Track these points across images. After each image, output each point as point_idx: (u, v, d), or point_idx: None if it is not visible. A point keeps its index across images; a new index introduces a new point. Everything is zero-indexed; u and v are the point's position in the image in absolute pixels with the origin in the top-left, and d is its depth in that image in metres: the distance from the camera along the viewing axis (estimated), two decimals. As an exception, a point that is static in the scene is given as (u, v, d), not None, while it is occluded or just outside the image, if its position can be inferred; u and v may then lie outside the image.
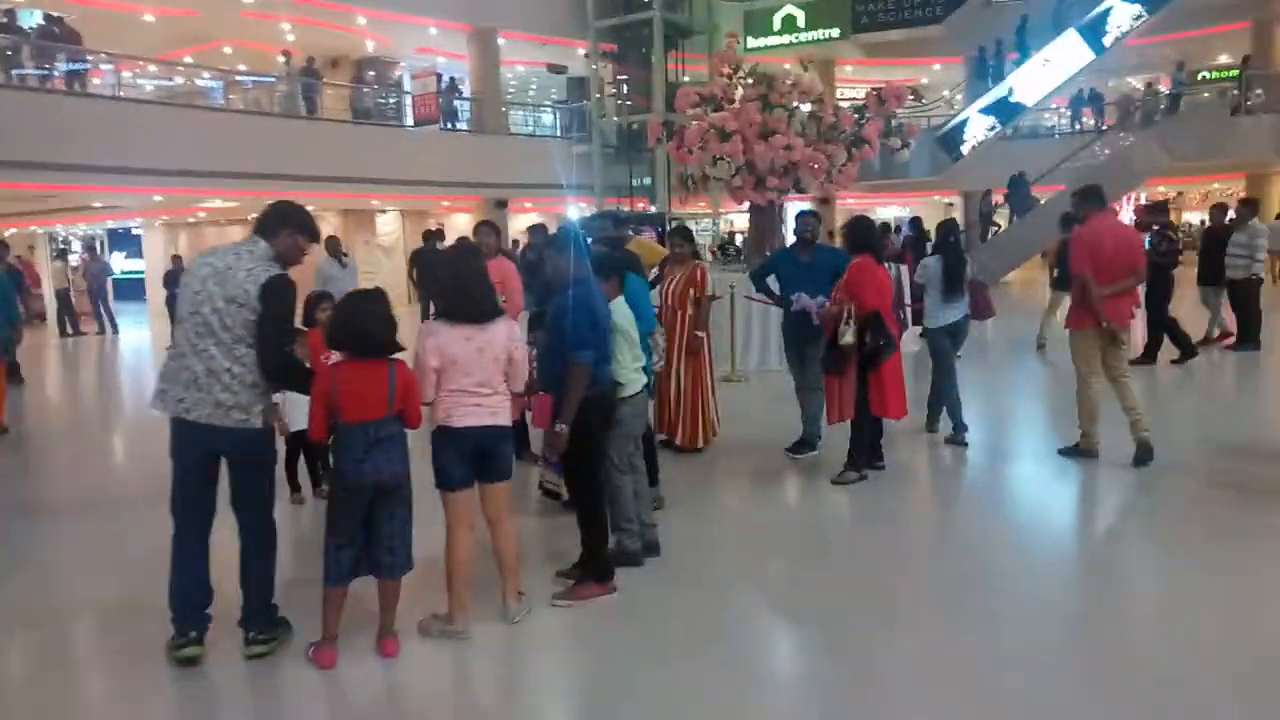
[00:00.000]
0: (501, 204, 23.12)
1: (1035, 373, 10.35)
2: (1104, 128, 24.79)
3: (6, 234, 21.96)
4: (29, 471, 7.62)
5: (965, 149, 23.76)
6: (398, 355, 3.53)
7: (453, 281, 3.64)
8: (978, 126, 23.66)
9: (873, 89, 11.14)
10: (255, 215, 3.68)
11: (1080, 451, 6.25)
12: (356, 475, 3.39)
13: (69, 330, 18.74)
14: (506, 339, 3.68)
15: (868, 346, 5.65)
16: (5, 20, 16.19)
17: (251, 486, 3.56)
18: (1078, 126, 25.32)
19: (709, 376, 6.69)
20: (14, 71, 15.66)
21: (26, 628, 4.12)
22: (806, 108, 11.29)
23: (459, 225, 24.23)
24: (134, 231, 29.34)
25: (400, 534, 3.53)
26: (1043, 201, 21.06)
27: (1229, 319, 11.12)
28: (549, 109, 27.16)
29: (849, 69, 26.87)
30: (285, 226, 3.62)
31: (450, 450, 3.62)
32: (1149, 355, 10.14)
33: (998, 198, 22.73)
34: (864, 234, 5.97)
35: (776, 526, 5.30)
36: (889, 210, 30.68)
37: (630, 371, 4.34)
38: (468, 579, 3.72)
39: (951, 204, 29.52)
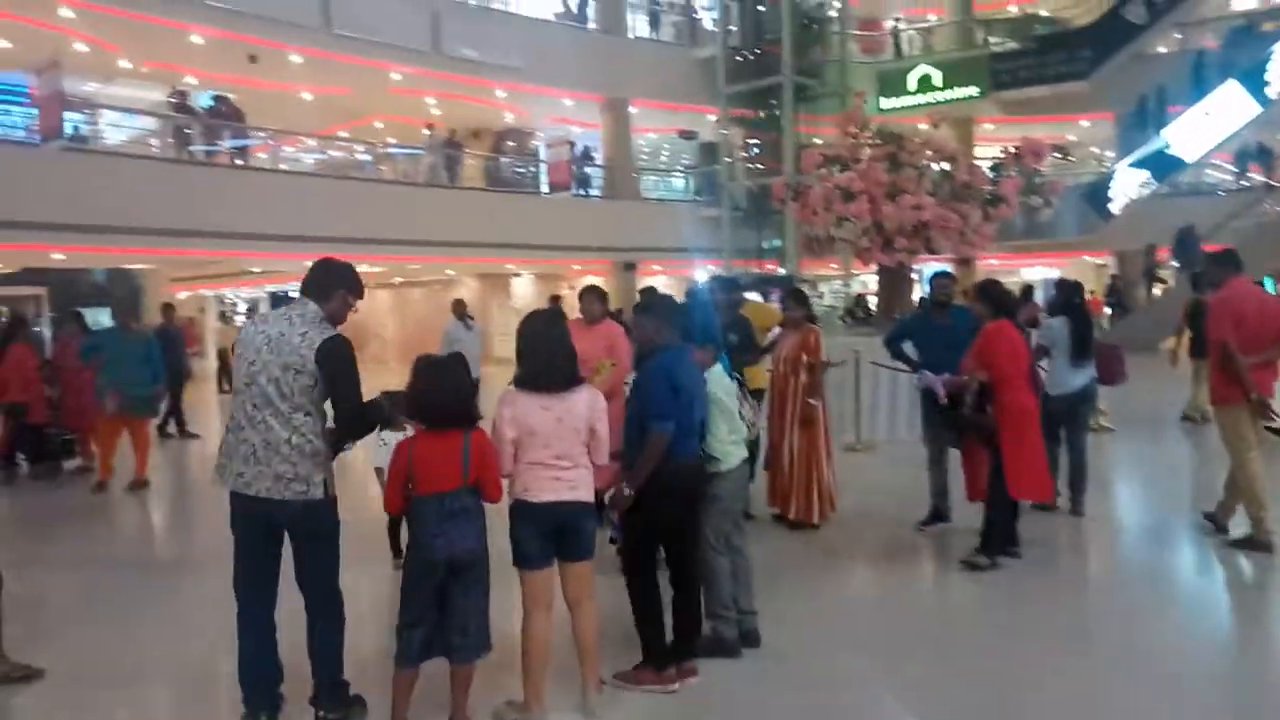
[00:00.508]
0: (630, 267, 23.35)
1: (1186, 446, 9.46)
2: (1273, 184, 23.00)
3: (180, 296, 23.60)
4: (159, 525, 7.92)
5: (1116, 207, 22.48)
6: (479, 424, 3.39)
7: (531, 348, 3.49)
8: (1130, 182, 22.37)
9: (1009, 147, 10.61)
10: (302, 275, 3.58)
11: (1255, 544, 5.49)
12: (429, 550, 3.24)
13: (224, 388, 19.88)
14: (588, 409, 3.49)
15: (967, 416, 5.21)
16: (179, 101, 17.57)
17: (314, 559, 3.45)
18: (1243, 183, 23.60)
19: (824, 447, 6.31)
20: (188, 148, 16.94)
21: (110, 687, 4.14)
22: (939, 166, 10.89)
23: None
24: (290, 294, 31.20)
25: (475, 614, 3.34)
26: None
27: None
28: (679, 174, 27.44)
29: (989, 127, 26.03)
30: (337, 286, 3.53)
31: (528, 526, 3.44)
32: None
33: (1163, 254, 21.29)
34: (999, 297, 5.55)
35: (893, 618, 4.84)
36: (1033, 271, 29.31)
37: (727, 445, 4.08)
38: (545, 664, 3.49)
39: (1104, 265, 27.93)
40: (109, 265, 22.06)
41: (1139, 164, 22.23)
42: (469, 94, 21.22)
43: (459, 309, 10.90)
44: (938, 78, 24.32)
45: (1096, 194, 22.81)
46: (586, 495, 3.50)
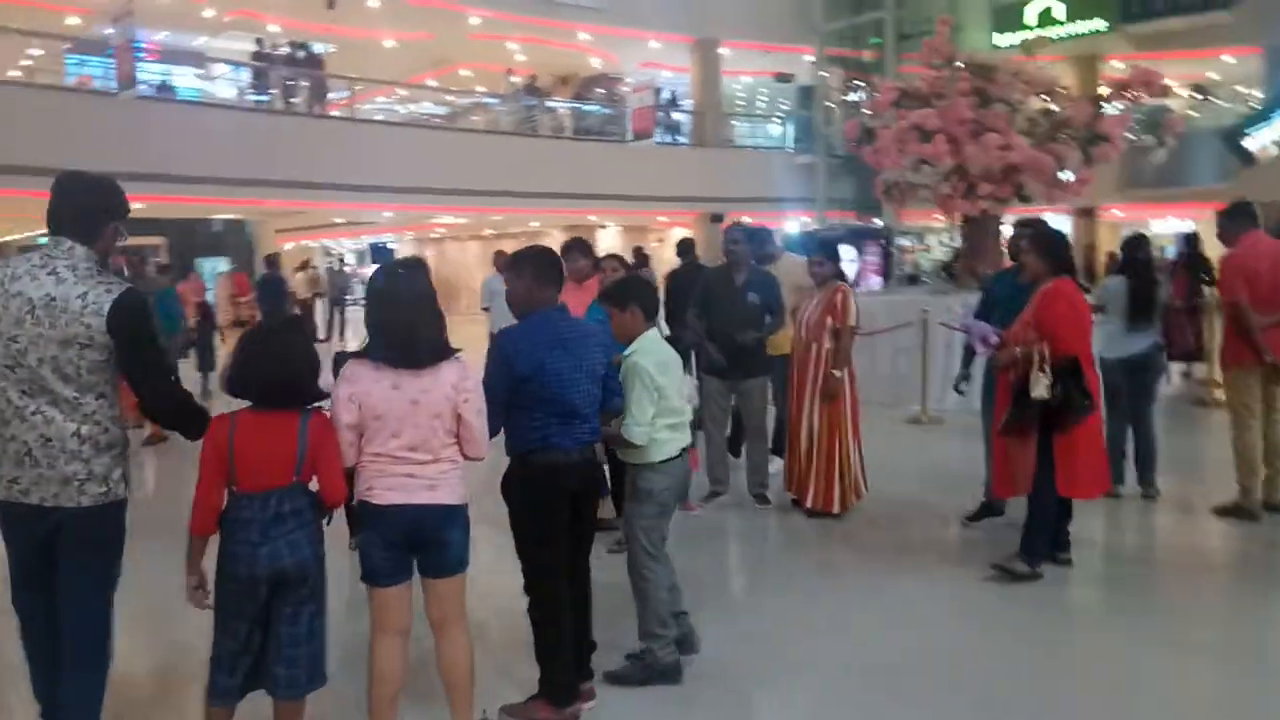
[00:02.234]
0: (717, 218, 22.35)
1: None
2: None
3: (285, 248, 23.96)
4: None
5: (1262, 152, 20.09)
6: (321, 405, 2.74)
7: (379, 310, 2.79)
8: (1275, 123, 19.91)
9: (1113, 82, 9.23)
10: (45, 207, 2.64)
11: (1241, 511, 5.30)
12: (250, 563, 2.62)
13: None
14: (454, 390, 2.78)
15: (1056, 399, 4.23)
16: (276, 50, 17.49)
17: (84, 579, 2.67)
18: None
19: (850, 426, 5.44)
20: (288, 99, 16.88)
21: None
22: (1040, 101, 9.61)
23: (673, 240, 23.76)
24: (389, 245, 31.52)
25: (306, 640, 2.72)
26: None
27: None
28: (773, 119, 26.15)
29: (1117, 65, 23.68)
30: (105, 217, 2.69)
31: (373, 533, 2.78)
32: None
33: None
34: (1057, 247, 4.55)
35: (898, 638, 4.01)
36: (1165, 224, 26.82)
37: (658, 430, 3.32)
38: (394, 700, 2.83)
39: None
40: (212, 215, 22.39)
41: (1290, 102, 19.77)
42: (551, 38, 20.52)
43: (501, 261, 10.30)
44: (1060, 10, 22.15)
45: (1236, 136, 20.44)
46: (450, 496, 2.81)
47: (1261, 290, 5.10)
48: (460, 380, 2.80)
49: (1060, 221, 25.28)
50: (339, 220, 22.37)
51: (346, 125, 17.81)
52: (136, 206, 12.93)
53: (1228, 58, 24.30)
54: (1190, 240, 12.12)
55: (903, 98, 9.72)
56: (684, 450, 3.48)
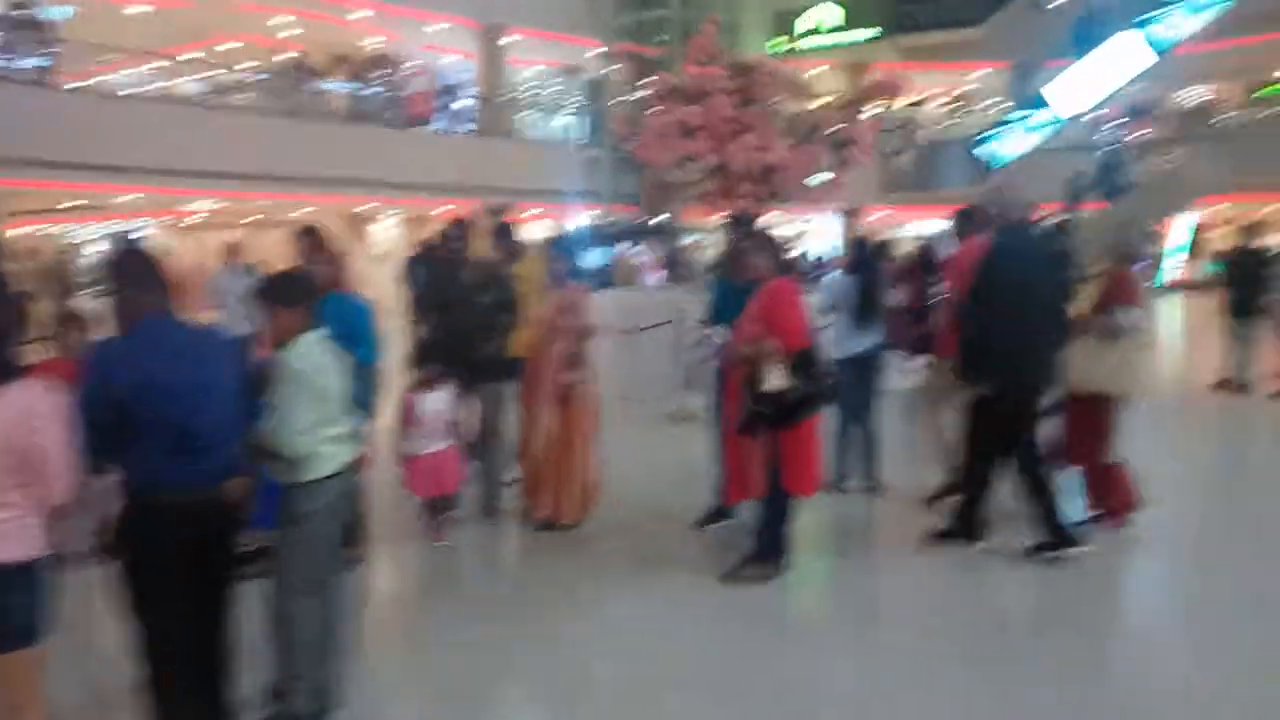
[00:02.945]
0: (501, 210, 21.86)
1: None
2: (1156, 140, 22.76)
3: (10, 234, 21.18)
4: None
5: (1003, 160, 21.96)
6: None
7: None
8: (1016, 136, 21.83)
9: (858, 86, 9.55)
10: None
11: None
12: None
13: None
14: (20, 416, 2.25)
15: (795, 392, 4.14)
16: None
17: None
18: (1117, 143, 23.22)
19: (586, 431, 5.20)
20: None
21: None
22: (796, 105, 9.79)
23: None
24: (133, 234, 28.69)
25: None
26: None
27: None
28: (561, 111, 25.92)
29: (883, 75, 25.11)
30: None
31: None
32: None
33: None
34: (775, 248, 4.51)
35: (609, 656, 3.80)
36: (923, 225, 28.77)
37: (318, 442, 2.92)
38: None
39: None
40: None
41: (1027, 119, 21.70)
42: (325, 13, 19.31)
43: (232, 253, 9.42)
44: (834, 18, 23.22)
45: (981, 146, 22.24)
46: (10, 552, 2.28)
47: None
48: (32, 405, 2.27)
49: (831, 222, 26.63)
50: (80, 203, 20.05)
51: (80, 98, 15.93)
52: None
53: (981, 72, 26.37)
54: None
55: (670, 94, 9.64)
56: (348, 468, 3.07)
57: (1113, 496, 5.04)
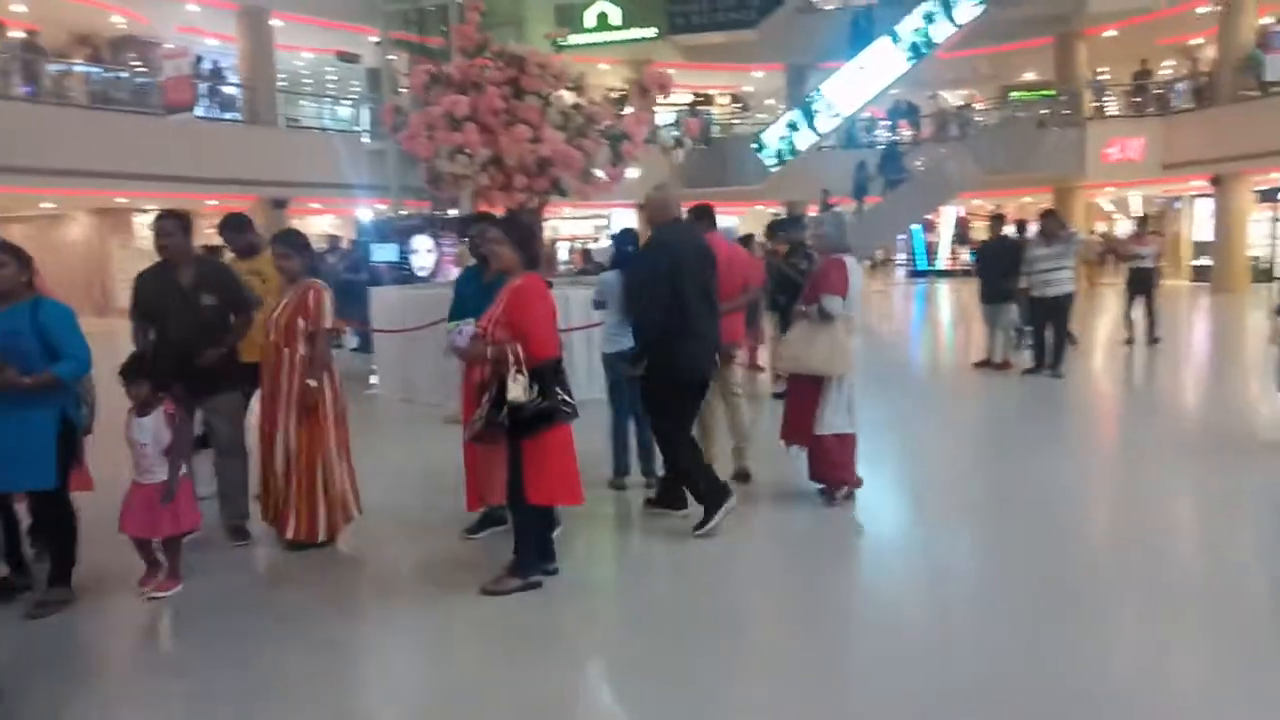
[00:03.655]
0: (281, 204, 20.61)
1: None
2: (918, 139, 24.53)
3: None
4: None
5: (781, 158, 22.95)
6: None
7: None
8: (794, 135, 22.87)
9: (633, 81, 9.55)
10: None
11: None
12: None
13: None
14: None
15: (535, 404, 3.94)
16: None
17: None
18: (895, 138, 24.96)
19: (334, 440, 4.81)
20: None
21: None
22: (570, 97, 9.64)
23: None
24: None
25: None
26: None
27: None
28: (341, 101, 24.77)
29: (669, 73, 25.57)
30: None
31: None
32: None
33: (813, 210, 22.08)
34: (530, 239, 4.28)
35: (336, 692, 3.48)
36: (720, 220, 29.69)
37: None
38: None
39: (778, 214, 28.84)
40: None
41: (802, 118, 22.73)
42: (59, -12, 17.43)
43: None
44: (616, 15, 23.40)
45: (760, 145, 23.14)
46: None
47: (720, 283, 5.48)
48: None
49: (625, 216, 26.95)
50: None
51: None
52: None
53: (757, 73, 27.43)
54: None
55: (433, 83, 9.27)
56: None
57: (829, 470, 5.40)
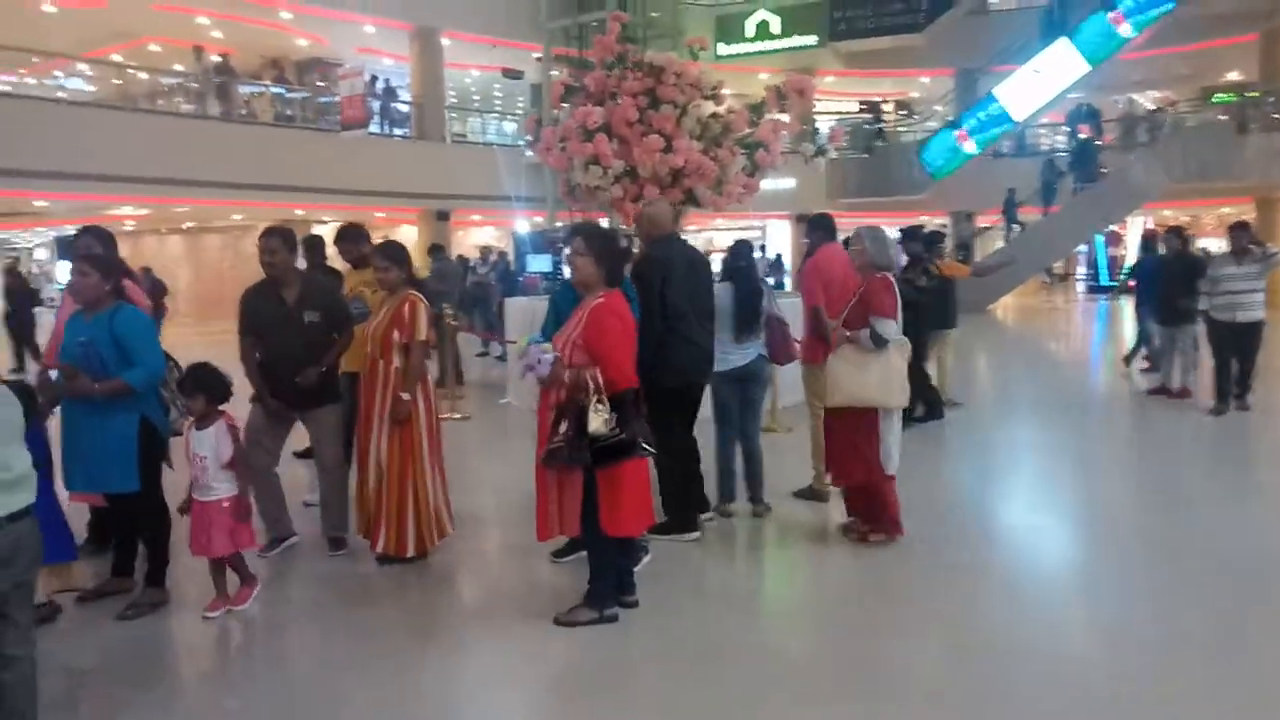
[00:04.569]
0: (444, 216, 21.41)
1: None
2: (1101, 145, 22.76)
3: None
4: None
5: (946, 165, 21.85)
6: None
7: None
8: (960, 142, 21.72)
9: (775, 85, 9.19)
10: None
11: (813, 493, 5.82)
12: None
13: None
14: None
15: (615, 436, 3.71)
16: None
17: None
18: (1089, 135, 23.25)
19: (427, 454, 4.76)
20: None
21: None
22: (710, 107, 9.40)
23: (403, 238, 22.56)
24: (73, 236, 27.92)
25: None
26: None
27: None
28: (501, 116, 25.51)
29: (830, 80, 24.95)
30: None
31: None
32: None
33: (982, 221, 20.91)
34: (616, 254, 4.07)
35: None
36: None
37: None
38: None
39: (944, 225, 27.54)
40: None
41: (970, 125, 21.58)
42: (248, 14, 18.72)
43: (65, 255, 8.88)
44: (776, 24, 23.04)
45: (926, 152, 22.13)
46: None
47: (834, 296, 5.36)
48: None
49: (780, 228, 26.44)
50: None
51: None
52: None
53: (925, 78, 26.30)
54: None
55: (570, 94, 9.25)
56: (13, 518, 2.60)
57: (883, 511, 4.97)
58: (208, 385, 4.10)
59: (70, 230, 24.82)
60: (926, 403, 8.22)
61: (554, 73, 21.90)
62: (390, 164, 19.75)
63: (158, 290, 16.25)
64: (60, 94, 19.56)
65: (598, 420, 3.67)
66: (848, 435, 4.92)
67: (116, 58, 20.92)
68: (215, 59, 19.12)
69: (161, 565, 4.31)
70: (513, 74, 24.12)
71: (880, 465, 4.83)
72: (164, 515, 4.34)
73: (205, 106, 18.39)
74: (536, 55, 21.83)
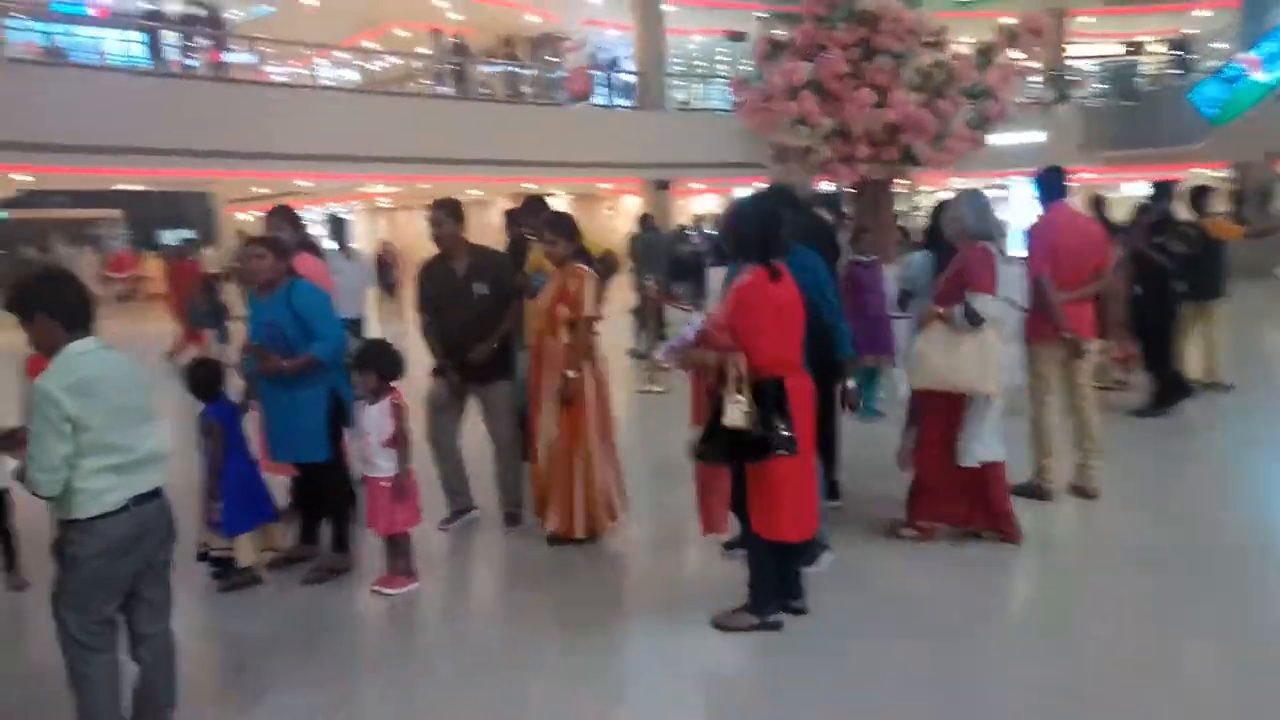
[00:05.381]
0: (663, 185, 21.37)
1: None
2: None
3: (241, 217, 23.05)
4: None
5: (1229, 108, 19.03)
6: None
7: None
8: (1250, 72, 18.81)
9: (1007, 25, 8.23)
10: None
11: (1034, 490, 5.00)
12: None
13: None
14: None
15: (756, 431, 3.31)
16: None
17: None
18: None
19: (596, 434, 4.56)
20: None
21: None
22: (932, 55, 8.62)
23: (629, 209, 22.79)
24: (342, 216, 30.59)
25: None
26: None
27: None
28: (726, 81, 25.00)
29: (1088, 20, 22.46)
30: None
31: None
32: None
33: None
34: (760, 222, 3.55)
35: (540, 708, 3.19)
36: (1134, 187, 25.69)
37: (86, 477, 2.49)
38: None
39: (1223, 177, 24.18)
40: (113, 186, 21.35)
41: (1262, 50, 18.64)
42: (484, -7, 19.47)
43: (338, 235, 9.44)
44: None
45: (1200, 92, 19.37)
46: None
47: (1063, 264, 4.74)
48: None
49: (1022, 185, 24.25)
50: (264, 191, 21.37)
51: (256, 90, 16.77)
52: (23, 179, 12.00)
53: (1203, 11, 23.10)
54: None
55: (775, 51, 8.76)
56: (139, 500, 2.61)
57: (990, 507, 4.41)
58: (379, 362, 4.10)
59: (335, 208, 27.22)
60: (1162, 390, 7.01)
61: (778, 32, 21.23)
62: (613, 135, 19.90)
63: (391, 262, 17.43)
64: (325, 81, 21.21)
65: (735, 412, 3.28)
66: (936, 421, 4.38)
67: (368, 44, 22.47)
68: (451, 40, 20.04)
69: (344, 533, 4.41)
70: (736, 36, 23.58)
71: (956, 456, 4.30)
72: (348, 485, 4.44)
73: (442, 86, 19.34)
74: (759, 14, 21.18)
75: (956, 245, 4.41)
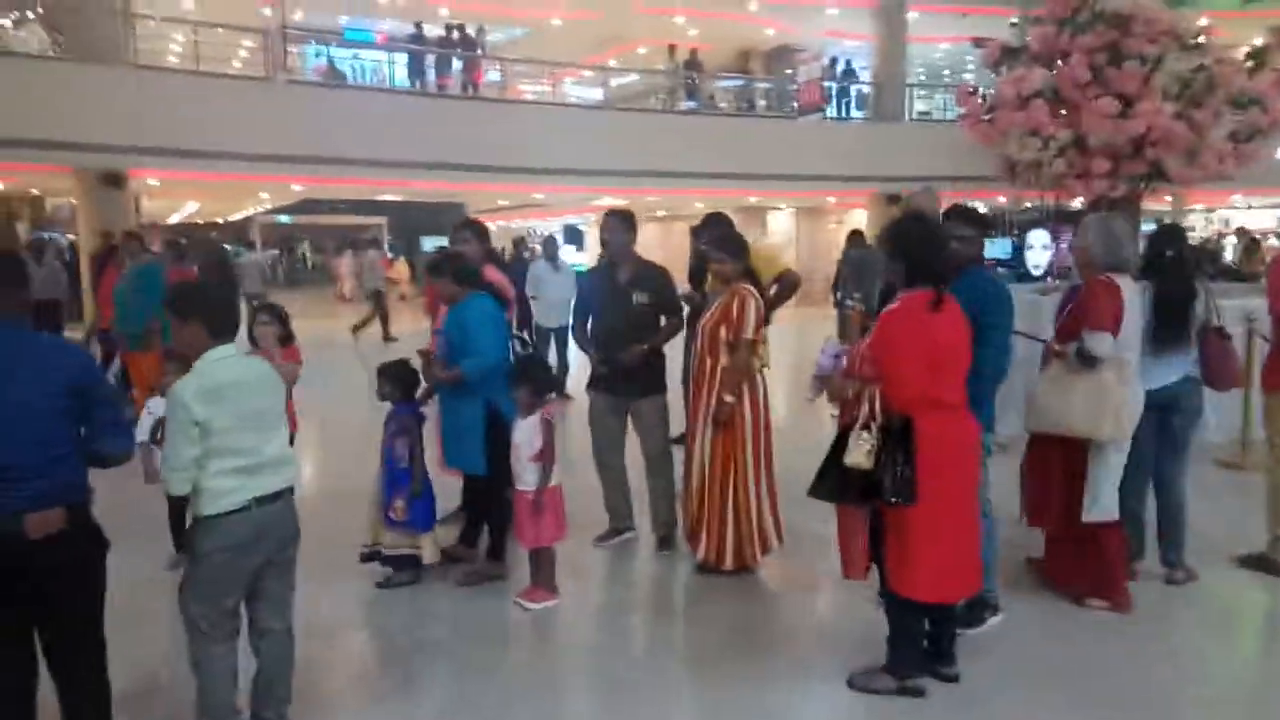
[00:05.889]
0: (894, 199, 20.52)
1: None
2: None
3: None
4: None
5: None
6: None
7: None
8: None
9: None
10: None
11: (1267, 564, 4.39)
12: None
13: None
14: None
15: (879, 474, 3.02)
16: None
17: None
18: None
19: (752, 461, 4.35)
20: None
21: None
22: (1192, 60, 7.68)
23: (856, 223, 22.12)
24: (579, 227, 31.84)
25: None
26: None
27: None
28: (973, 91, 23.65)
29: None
30: None
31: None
32: None
33: None
34: (920, 242, 3.22)
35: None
36: None
37: (213, 476, 2.63)
38: None
39: None
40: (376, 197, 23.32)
41: None
42: (721, 8, 19.55)
43: (550, 249, 9.70)
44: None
45: None
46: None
47: None
48: None
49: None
50: (503, 203, 22.63)
51: (508, 107, 17.76)
52: (293, 189, 13.37)
53: None
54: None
55: (1008, 58, 8.12)
56: (261, 501, 2.72)
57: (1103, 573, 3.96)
58: (532, 377, 4.13)
59: (572, 220, 28.34)
60: None
61: (1029, 39, 19.79)
62: (843, 147, 19.36)
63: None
64: (571, 99, 22.16)
65: (859, 451, 3.00)
66: (1047, 469, 4.02)
67: (612, 63, 23.26)
68: (685, 56, 20.33)
69: (501, 542, 4.48)
70: (983, 44, 22.28)
71: (1082, 510, 3.88)
72: (504, 499, 4.50)
73: (673, 103, 19.64)
74: (1011, 20, 19.88)
75: (1084, 276, 3.95)
